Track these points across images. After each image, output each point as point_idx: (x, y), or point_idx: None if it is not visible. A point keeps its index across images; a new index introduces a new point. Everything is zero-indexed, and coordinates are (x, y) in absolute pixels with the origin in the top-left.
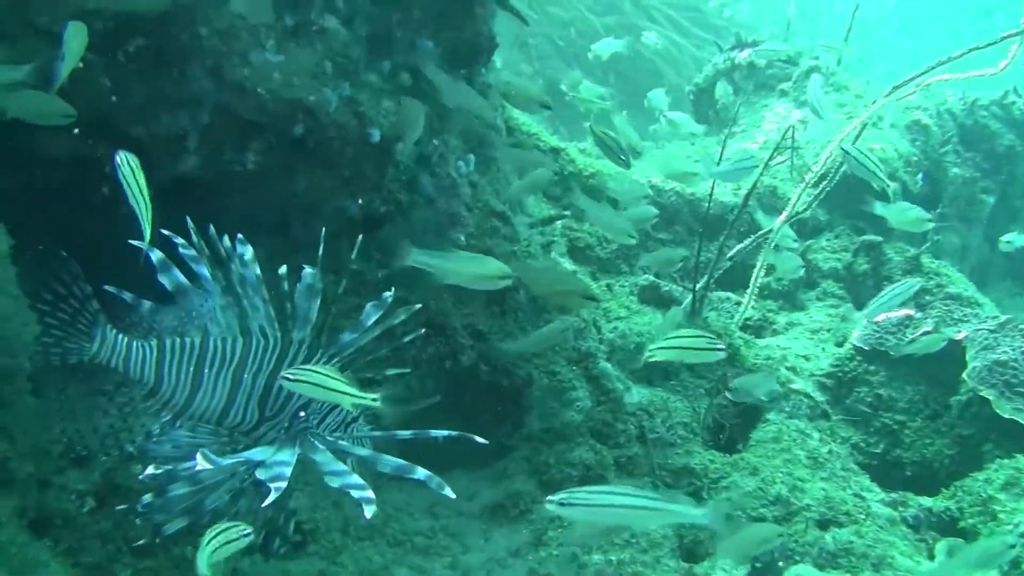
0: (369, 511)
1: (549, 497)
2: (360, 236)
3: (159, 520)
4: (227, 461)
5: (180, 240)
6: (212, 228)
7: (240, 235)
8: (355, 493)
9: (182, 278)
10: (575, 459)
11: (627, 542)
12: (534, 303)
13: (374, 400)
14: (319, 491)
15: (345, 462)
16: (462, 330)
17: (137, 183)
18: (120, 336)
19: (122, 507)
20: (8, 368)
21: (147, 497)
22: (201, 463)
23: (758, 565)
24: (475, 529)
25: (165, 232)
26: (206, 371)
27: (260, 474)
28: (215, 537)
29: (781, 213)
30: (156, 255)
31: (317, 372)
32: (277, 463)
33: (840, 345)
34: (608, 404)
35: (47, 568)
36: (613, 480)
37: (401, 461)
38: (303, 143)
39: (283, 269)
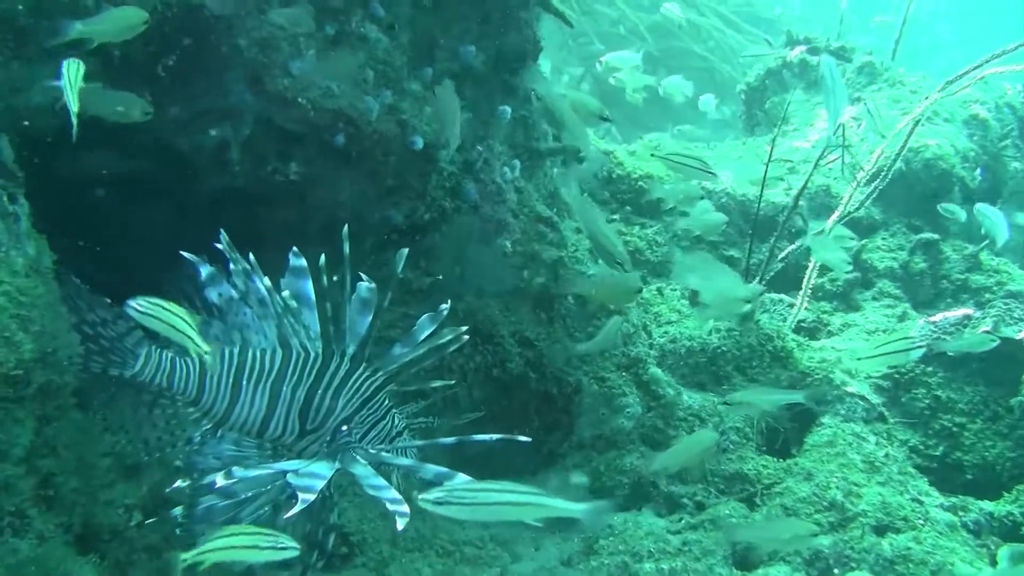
0: (402, 522)
1: (423, 496)
2: (405, 248)
3: (197, 531)
4: (254, 473)
5: (234, 255)
6: (252, 256)
7: (295, 248)
8: (390, 506)
9: (231, 291)
10: (626, 466)
11: (679, 550)
12: (583, 309)
13: (207, 353)
14: (367, 503)
15: (390, 477)
16: (510, 338)
17: (73, 87)
18: (164, 354)
19: (151, 520)
20: (52, 384)
21: (177, 510)
22: (220, 481)
23: (813, 573)
24: (526, 538)
25: (217, 245)
26: (244, 382)
27: (292, 481)
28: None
29: (833, 213)
30: (206, 269)
31: (167, 309)
32: (310, 475)
33: None
34: (659, 410)
35: None
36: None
37: (443, 469)
38: (346, 152)
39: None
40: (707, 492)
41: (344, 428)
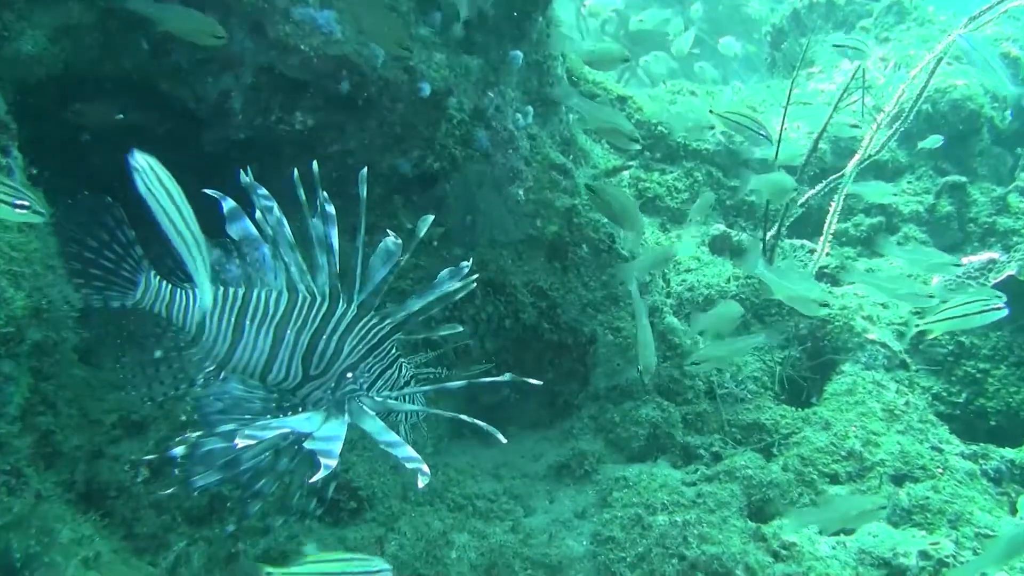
0: (423, 481)
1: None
2: (430, 216)
3: (194, 472)
4: (270, 434)
5: (263, 191)
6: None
7: (325, 194)
8: (409, 465)
9: (251, 229)
10: (642, 417)
11: (693, 502)
12: (597, 258)
13: None
14: (377, 457)
15: (397, 428)
16: (522, 288)
17: None
18: (164, 282)
19: (151, 456)
20: (48, 340)
21: (178, 450)
22: (242, 442)
23: None
24: (540, 491)
25: (244, 181)
26: (247, 323)
27: (310, 446)
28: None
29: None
30: (228, 204)
31: None
32: (327, 438)
33: None
34: (675, 359)
35: (91, 542)
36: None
37: (452, 414)
38: (351, 100)
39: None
40: (724, 442)
41: (349, 375)
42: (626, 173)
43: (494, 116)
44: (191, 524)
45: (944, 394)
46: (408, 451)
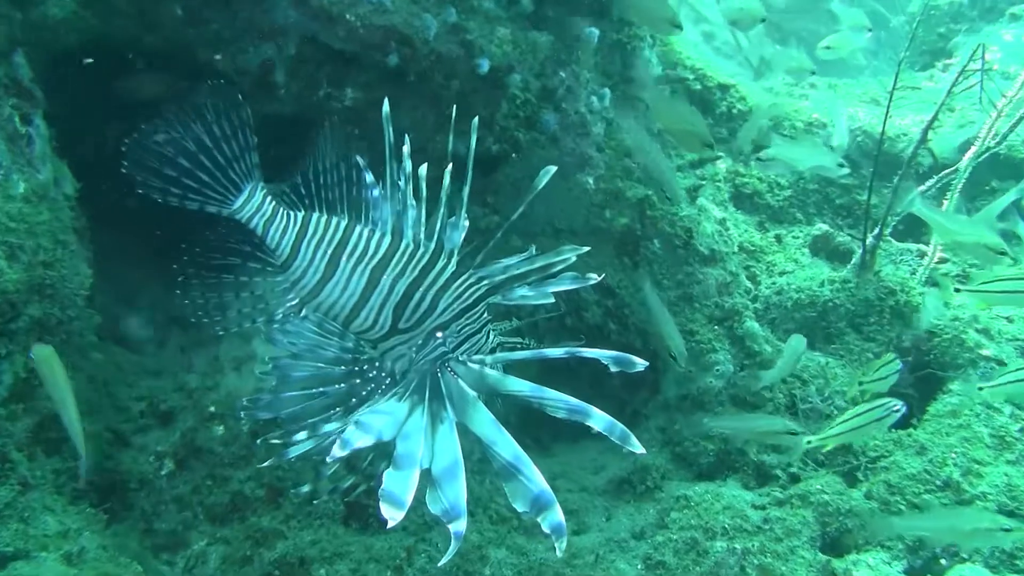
0: (561, 545)
1: None
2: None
3: (263, 416)
4: (361, 444)
5: (388, 128)
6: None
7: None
8: (542, 521)
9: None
10: (712, 431)
11: (758, 528)
12: (672, 254)
13: None
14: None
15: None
16: None
17: None
18: (268, 197)
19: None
20: (51, 318)
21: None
22: (337, 452)
23: (917, 563)
24: (597, 506)
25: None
26: (344, 260)
27: (384, 484)
28: None
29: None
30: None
31: None
32: (405, 456)
33: None
34: (754, 368)
35: (78, 536)
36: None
37: (574, 401)
38: (402, 75)
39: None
40: (804, 463)
41: (439, 335)
42: (722, 166)
43: (564, 97)
44: (212, 522)
45: None
46: (539, 483)
